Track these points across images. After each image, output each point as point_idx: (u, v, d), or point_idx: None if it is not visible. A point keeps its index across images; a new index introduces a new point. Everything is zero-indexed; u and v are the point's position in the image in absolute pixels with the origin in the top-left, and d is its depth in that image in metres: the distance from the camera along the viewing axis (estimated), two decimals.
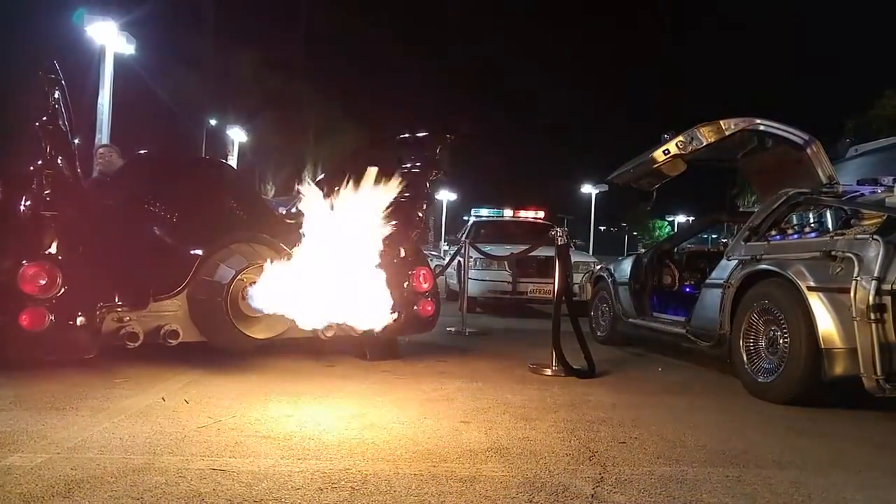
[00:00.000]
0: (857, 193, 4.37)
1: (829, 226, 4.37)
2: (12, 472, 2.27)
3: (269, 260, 3.90)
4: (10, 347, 3.65)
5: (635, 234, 74.74)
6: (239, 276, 4.04)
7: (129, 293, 3.94)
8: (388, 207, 4.10)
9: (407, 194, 4.85)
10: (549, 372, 4.59)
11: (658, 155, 5.22)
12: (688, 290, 5.81)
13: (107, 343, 3.87)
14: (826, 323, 3.63)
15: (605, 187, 40.52)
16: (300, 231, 3.97)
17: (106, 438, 2.70)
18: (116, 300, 3.90)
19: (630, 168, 5.70)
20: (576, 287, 7.64)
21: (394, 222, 4.74)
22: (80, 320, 3.70)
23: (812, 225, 4.45)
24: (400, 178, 4.90)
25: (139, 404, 3.30)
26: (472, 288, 8.65)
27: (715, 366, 4.99)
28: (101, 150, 7.08)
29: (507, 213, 12.79)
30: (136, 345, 3.90)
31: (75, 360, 3.92)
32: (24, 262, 3.62)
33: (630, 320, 5.97)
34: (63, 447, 2.57)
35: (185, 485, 2.21)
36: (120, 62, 15.62)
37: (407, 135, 5.03)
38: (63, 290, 3.63)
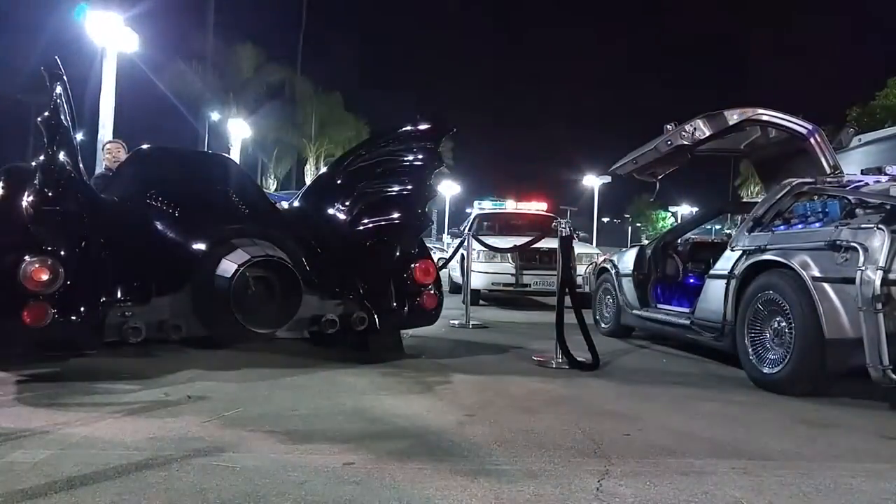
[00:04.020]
0: (862, 183, 4.34)
1: (834, 216, 4.34)
2: (14, 468, 2.27)
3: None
4: (12, 343, 3.65)
5: (639, 225, 74.61)
6: (241, 270, 4.03)
7: (131, 288, 3.94)
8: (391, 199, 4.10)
9: (410, 187, 4.85)
10: (553, 364, 4.58)
11: (661, 146, 5.20)
12: (692, 281, 5.78)
13: (109, 338, 3.86)
14: (831, 313, 3.61)
15: (608, 178, 40.48)
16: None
17: (108, 434, 2.70)
18: (119, 295, 3.89)
19: (633, 159, 5.68)
20: (579, 279, 7.63)
21: (397, 215, 4.76)
22: (82, 316, 3.70)
23: (816, 215, 4.42)
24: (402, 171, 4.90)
25: (142, 400, 3.30)
26: (476, 280, 8.63)
27: (719, 357, 4.97)
28: (108, 146, 7.09)
29: (511, 205, 12.81)
30: (139, 340, 3.90)
31: (78, 355, 3.91)
32: (26, 257, 3.61)
33: (634, 312, 5.96)
34: (65, 443, 2.56)
35: (187, 480, 2.20)
36: (122, 57, 15.58)
37: (409, 127, 5.01)
38: (65, 285, 3.62)
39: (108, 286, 3.86)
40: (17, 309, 3.49)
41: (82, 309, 3.69)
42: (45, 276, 3.56)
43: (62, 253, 3.69)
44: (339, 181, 5.00)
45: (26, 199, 3.84)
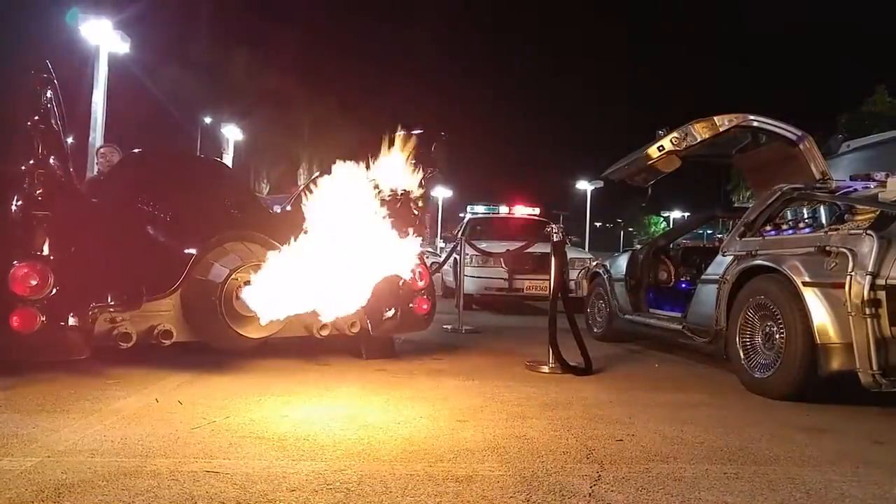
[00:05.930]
0: (850, 189, 4.37)
1: (823, 221, 4.36)
2: (1, 476, 2.24)
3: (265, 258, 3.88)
4: (0, 349, 3.62)
5: (631, 230, 74.89)
6: (233, 276, 4.01)
7: (121, 293, 3.91)
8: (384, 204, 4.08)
9: (402, 191, 4.84)
10: (545, 369, 4.58)
11: (653, 151, 5.21)
12: (684, 285, 5.80)
13: (99, 344, 3.84)
14: (821, 318, 3.63)
15: (600, 184, 40.61)
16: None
17: (97, 441, 2.68)
18: (109, 300, 3.86)
19: (625, 164, 5.69)
20: (572, 283, 7.64)
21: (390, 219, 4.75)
22: (71, 321, 3.67)
23: (806, 220, 4.44)
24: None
25: (132, 406, 3.28)
26: (469, 285, 8.63)
27: (711, 362, 4.99)
28: (102, 150, 7.06)
29: (503, 209, 12.81)
30: (129, 345, 3.87)
31: (67, 361, 3.88)
32: (14, 262, 3.58)
33: (626, 316, 5.97)
34: (53, 450, 2.54)
35: (177, 487, 2.19)
36: (114, 61, 15.53)
37: (402, 132, 5.01)
38: (54, 290, 3.60)
39: (98, 291, 3.84)
40: (5, 314, 3.47)
41: (72, 314, 3.67)
42: (34, 282, 3.54)
43: (52, 258, 3.67)
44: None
45: (16, 204, 3.82)
